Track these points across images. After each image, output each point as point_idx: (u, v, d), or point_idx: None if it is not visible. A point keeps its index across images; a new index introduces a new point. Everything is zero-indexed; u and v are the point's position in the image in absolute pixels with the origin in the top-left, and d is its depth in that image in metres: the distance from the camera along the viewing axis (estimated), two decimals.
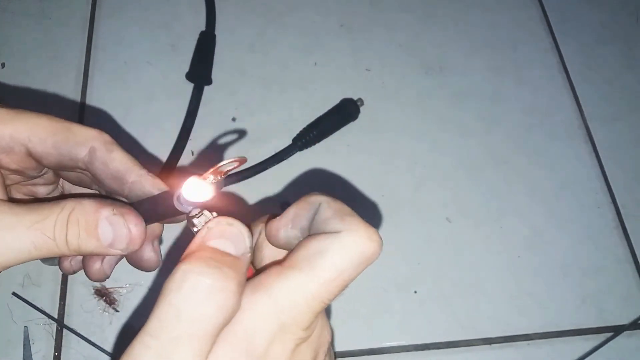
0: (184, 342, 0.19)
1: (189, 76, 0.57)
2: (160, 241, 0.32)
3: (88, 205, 0.23)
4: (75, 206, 0.23)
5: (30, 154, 0.25)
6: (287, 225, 0.24)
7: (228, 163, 0.22)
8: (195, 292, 0.19)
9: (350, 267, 0.21)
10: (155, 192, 0.26)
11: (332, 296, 0.21)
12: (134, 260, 0.28)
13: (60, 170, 0.28)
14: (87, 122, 0.55)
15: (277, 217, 0.24)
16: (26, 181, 0.28)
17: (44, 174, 0.28)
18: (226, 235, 0.21)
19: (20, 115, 0.25)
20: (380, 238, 0.21)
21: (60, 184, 0.31)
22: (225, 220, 0.22)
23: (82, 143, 0.26)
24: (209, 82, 0.57)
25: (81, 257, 0.29)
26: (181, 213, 0.24)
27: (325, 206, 0.23)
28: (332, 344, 0.24)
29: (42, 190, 0.30)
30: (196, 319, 0.19)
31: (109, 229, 0.23)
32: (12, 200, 0.24)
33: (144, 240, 0.24)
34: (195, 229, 0.22)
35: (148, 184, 0.26)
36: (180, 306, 0.19)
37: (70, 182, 0.30)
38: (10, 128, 0.25)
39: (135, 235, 0.23)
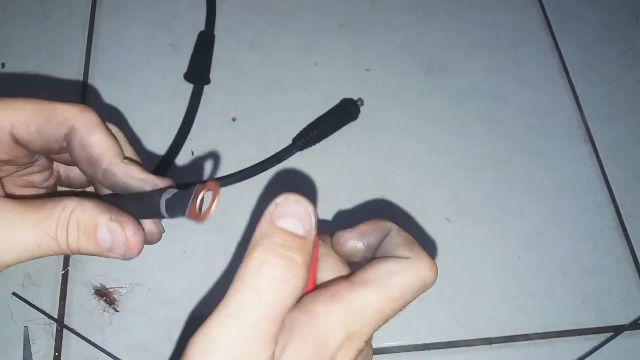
0: (263, 324, 0.20)
1: (188, 76, 0.57)
2: None
3: (88, 208, 0.23)
4: (76, 207, 0.23)
5: (17, 142, 0.25)
6: (357, 238, 0.27)
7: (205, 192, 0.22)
8: (273, 278, 0.21)
9: (413, 290, 0.24)
10: (128, 181, 0.26)
11: (393, 313, 0.24)
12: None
13: (49, 154, 0.27)
14: None
15: (348, 230, 0.27)
16: (20, 171, 0.28)
17: (36, 160, 0.28)
18: (294, 214, 0.22)
19: (1, 102, 0.25)
20: (437, 269, 0.25)
21: (55, 168, 0.30)
22: (293, 198, 0.23)
23: (64, 123, 0.25)
24: (207, 81, 0.57)
25: None
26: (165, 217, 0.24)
27: (396, 233, 0.26)
28: None
29: (37, 179, 0.29)
30: (275, 302, 0.20)
31: (107, 235, 0.23)
32: (9, 196, 0.24)
33: (142, 247, 0.24)
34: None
35: (120, 172, 0.26)
36: (261, 290, 0.20)
37: (66, 164, 0.29)
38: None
39: (132, 243, 0.24)
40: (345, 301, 0.22)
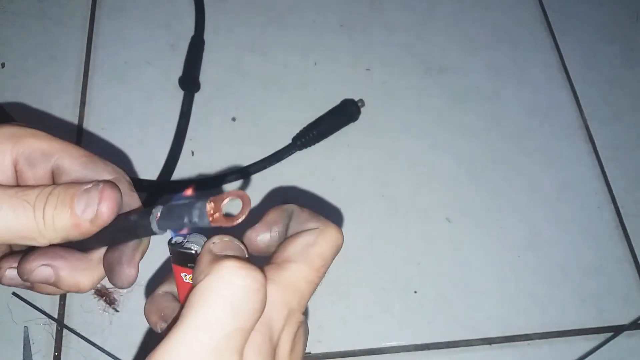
0: (235, 337, 0.20)
1: (180, 83, 0.57)
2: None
3: (72, 184, 0.23)
4: (61, 185, 0.23)
5: (55, 169, 0.26)
6: (266, 230, 0.27)
7: (230, 200, 0.21)
8: (247, 289, 0.20)
9: (331, 255, 0.25)
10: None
11: (320, 280, 0.24)
12: (112, 273, 0.27)
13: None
14: (88, 121, 0.55)
15: (255, 226, 0.27)
16: None
17: None
18: (233, 249, 0.23)
19: (55, 137, 0.26)
20: (342, 232, 0.26)
21: None
22: (223, 237, 0.23)
23: (105, 170, 0.26)
24: (197, 88, 0.57)
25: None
26: (154, 234, 0.23)
27: (299, 211, 0.26)
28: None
29: None
30: (247, 314, 0.20)
31: (83, 200, 0.23)
32: None
33: (114, 210, 0.23)
34: (193, 250, 0.23)
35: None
36: (235, 302, 0.20)
37: None
38: (45, 144, 0.25)
39: (106, 196, 0.23)
40: (277, 281, 0.23)
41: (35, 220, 0.22)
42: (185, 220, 0.21)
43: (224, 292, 0.20)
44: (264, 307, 0.21)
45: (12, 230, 0.22)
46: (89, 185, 0.23)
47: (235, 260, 0.21)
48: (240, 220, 0.21)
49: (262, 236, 0.26)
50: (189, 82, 0.57)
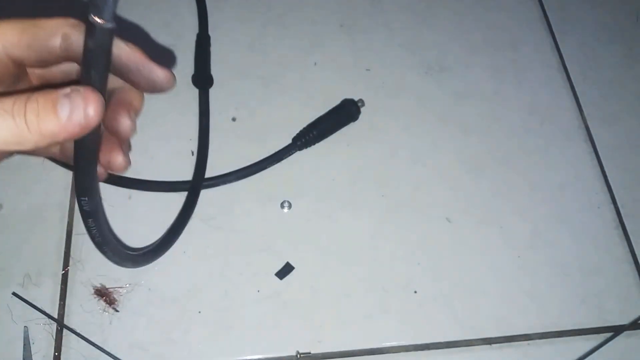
0: None
1: (194, 81, 0.57)
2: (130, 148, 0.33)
3: (48, 89, 0.23)
4: (36, 91, 0.23)
5: (11, 61, 0.26)
6: None
7: None
8: None
9: None
10: (129, 64, 0.29)
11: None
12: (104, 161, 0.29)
13: (47, 66, 0.29)
14: None
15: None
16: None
17: (19, 82, 0.29)
18: None
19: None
20: None
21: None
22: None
23: (53, 34, 0.27)
24: (210, 83, 0.57)
25: None
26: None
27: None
28: None
29: None
30: None
31: (67, 104, 0.23)
32: None
33: (101, 111, 0.23)
34: None
35: (123, 54, 0.29)
36: None
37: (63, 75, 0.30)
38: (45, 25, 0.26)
39: (90, 101, 0.23)
40: None
41: (18, 127, 0.22)
42: None
43: None
44: None
45: None
46: (68, 90, 0.23)
47: None
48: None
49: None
50: (202, 79, 0.57)
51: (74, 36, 0.27)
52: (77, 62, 0.28)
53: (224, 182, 0.52)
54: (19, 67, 0.28)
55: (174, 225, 0.49)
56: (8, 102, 0.22)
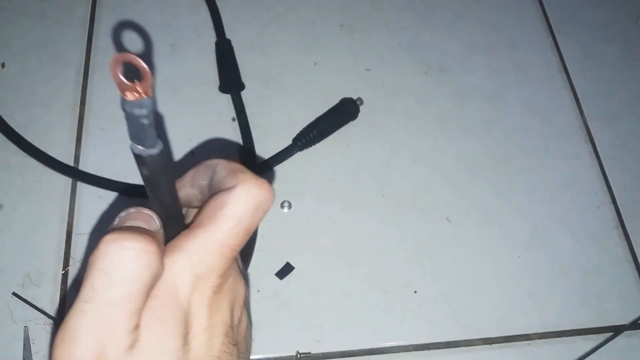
0: (118, 303, 0.20)
1: (223, 88, 0.57)
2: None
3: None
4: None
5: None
6: (186, 185, 0.26)
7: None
8: (122, 256, 0.20)
9: (248, 213, 0.23)
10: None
11: (237, 241, 0.23)
12: None
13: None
14: (88, 121, 0.55)
15: (177, 180, 0.26)
16: None
17: None
18: (137, 218, 0.23)
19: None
20: (270, 186, 0.24)
21: None
22: (133, 208, 0.23)
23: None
24: (242, 87, 0.57)
25: None
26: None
27: (221, 167, 0.25)
28: (248, 300, 0.27)
29: None
30: (126, 280, 0.20)
31: None
32: None
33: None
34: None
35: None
36: (110, 270, 0.20)
37: None
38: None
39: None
40: (184, 247, 0.22)
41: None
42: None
43: (99, 263, 0.20)
44: (154, 272, 0.21)
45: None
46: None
47: (113, 233, 0.21)
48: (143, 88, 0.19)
49: (182, 191, 0.26)
50: (233, 84, 0.57)
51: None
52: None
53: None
54: None
55: None
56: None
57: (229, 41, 0.60)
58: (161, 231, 0.23)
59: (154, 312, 0.21)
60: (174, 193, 0.23)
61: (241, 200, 0.23)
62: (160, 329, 0.21)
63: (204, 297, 0.22)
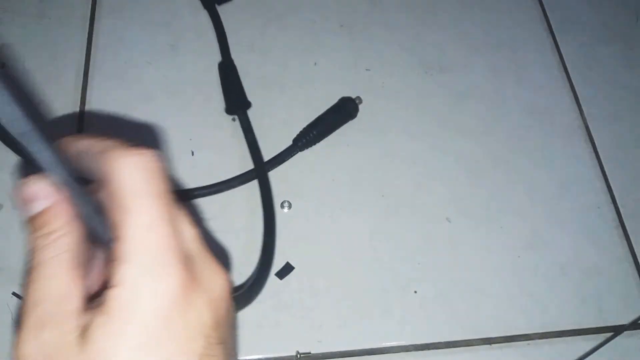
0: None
1: (229, 111, 0.56)
2: None
3: None
4: None
5: None
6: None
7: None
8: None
9: (144, 191, 0.22)
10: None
11: (164, 207, 0.22)
12: None
13: None
14: (88, 122, 0.55)
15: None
16: None
17: None
18: (34, 198, 0.23)
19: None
20: (139, 148, 0.22)
21: None
22: (25, 184, 0.23)
23: None
24: (248, 105, 0.56)
25: None
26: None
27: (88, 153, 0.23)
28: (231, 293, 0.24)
29: None
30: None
31: None
32: None
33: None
34: None
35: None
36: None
37: None
38: None
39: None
40: (130, 260, 0.21)
41: None
42: None
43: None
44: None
45: None
46: None
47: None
48: None
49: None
50: (239, 104, 0.56)
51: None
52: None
53: (229, 188, 0.52)
54: None
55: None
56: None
57: (232, 62, 0.59)
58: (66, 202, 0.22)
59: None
60: (53, 147, 0.21)
61: (133, 188, 0.22)
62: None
63: (165, 299, 0.20)
